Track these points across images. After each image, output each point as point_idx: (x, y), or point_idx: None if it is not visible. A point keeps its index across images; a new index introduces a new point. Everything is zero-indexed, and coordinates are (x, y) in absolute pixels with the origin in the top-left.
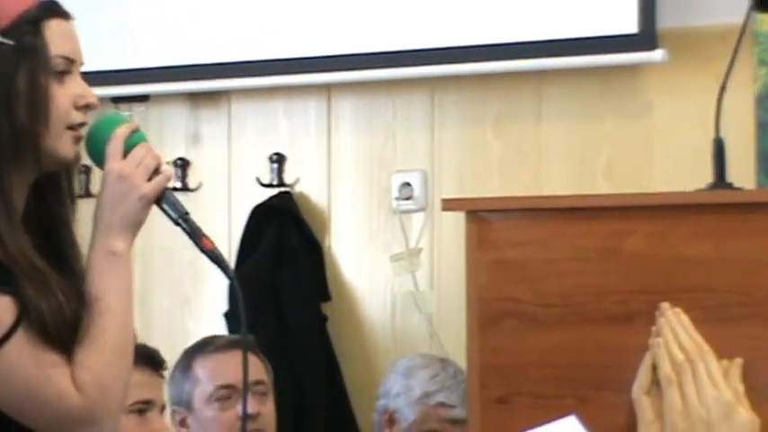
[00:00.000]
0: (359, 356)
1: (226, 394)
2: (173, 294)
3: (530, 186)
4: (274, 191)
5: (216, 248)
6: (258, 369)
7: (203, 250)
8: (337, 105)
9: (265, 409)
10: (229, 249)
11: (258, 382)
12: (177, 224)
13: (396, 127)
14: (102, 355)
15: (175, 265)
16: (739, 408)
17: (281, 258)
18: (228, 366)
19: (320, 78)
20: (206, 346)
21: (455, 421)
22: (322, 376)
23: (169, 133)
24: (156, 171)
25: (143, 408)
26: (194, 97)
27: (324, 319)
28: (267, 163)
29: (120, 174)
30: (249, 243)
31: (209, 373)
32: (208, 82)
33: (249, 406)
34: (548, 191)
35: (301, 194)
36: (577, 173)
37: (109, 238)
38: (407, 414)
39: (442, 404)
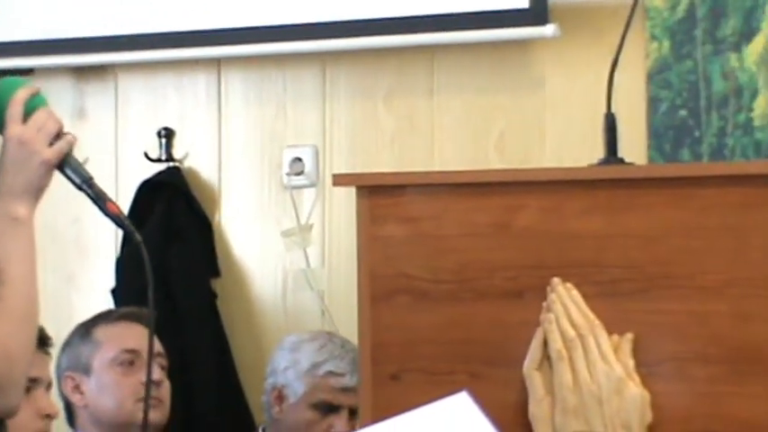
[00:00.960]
0: (249, 334)
1: (129, 359)
2: (57, 271)
3: (422, 161)
4: (163, 166)
5: (122, 213)
6: (158, 344)
7: (108, 215)
8: (227, 80)
9: (165, 381)
10: None
11: (159, 354)
12: (81, 189)
13: (287, 102)
14: (6, 325)
15: (59, 242)
16: (630, 383)
17: (170, 234)
18: (133, 333)
19: (210, 52)
20: (109, 315)
21: (346, 389)
22: (211, 353)
23: (54, 107)
24: (58, 136)
25: (29, 385)
26: (80, 71)
27: (213, 295)
28: (155, 138)
29: (21, 139)
30: (137, 219)
31: (112, 338)
32: (94, 56)
33: (153, 373)
34: (440, 166)
35: (191, 169)
36: (470, 148)
37: (11, 203)
38: (297, 388)
39: (331, 373)
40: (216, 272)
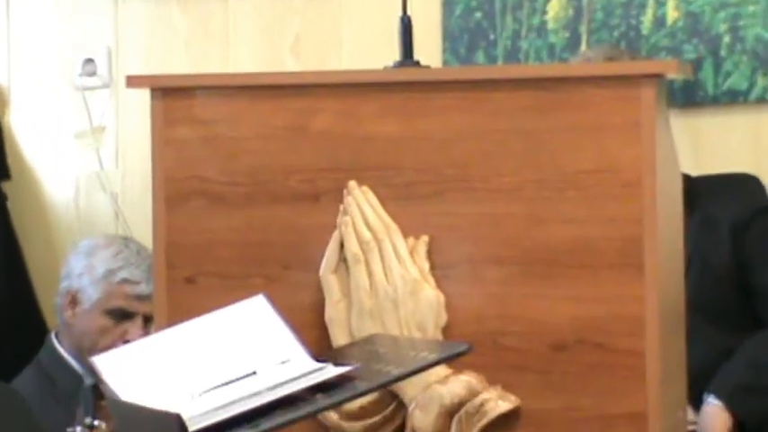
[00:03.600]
0: (41, 237)
1: None
2: None
3: (217, 64)
4: None
5: None
6: None
7: None
8: None
9: None
10: None
11: None
12: None
13: (80, 2)
14: None
15: None
16: (425, 285)
17: None
18: None
19: None
20: None
21: (140, 297)
22: (1, 256)
23: None
24: None
25: None
26: None
27: (3, 197)
28: None
29: None
30: None
31: None
32: None
33: None
34: (235, 69)
35: None
36: (265, 51)
37: None
38: (91, 293)
39: (126, 281)
40: (6, 174)
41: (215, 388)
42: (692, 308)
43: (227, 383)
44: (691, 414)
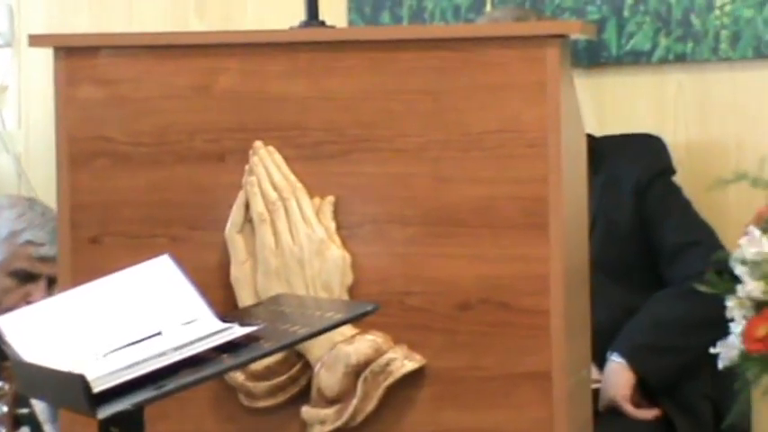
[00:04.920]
0: None
1: None
2: None
3: (120, 24)
4: None
5: None
6: None
7: None
8: None
9: None
10: None
11: None
12: None
13: None
14: None
15: None
16: (331, 244)
17: None
18: None
19: None
20: None
21: (44, 259)
22: None
23: None
24: None
25: None
26: None
27: None
28: None
29: None
30: None
31: None
32: None
33: None
34: (139, 28)
35: None
36: (169, 10)
37: None
38: None
39: (29, 242)
40: None
41: (120, 348)
42: (596, 267)
43: (131, 344)
44: (594, 372)
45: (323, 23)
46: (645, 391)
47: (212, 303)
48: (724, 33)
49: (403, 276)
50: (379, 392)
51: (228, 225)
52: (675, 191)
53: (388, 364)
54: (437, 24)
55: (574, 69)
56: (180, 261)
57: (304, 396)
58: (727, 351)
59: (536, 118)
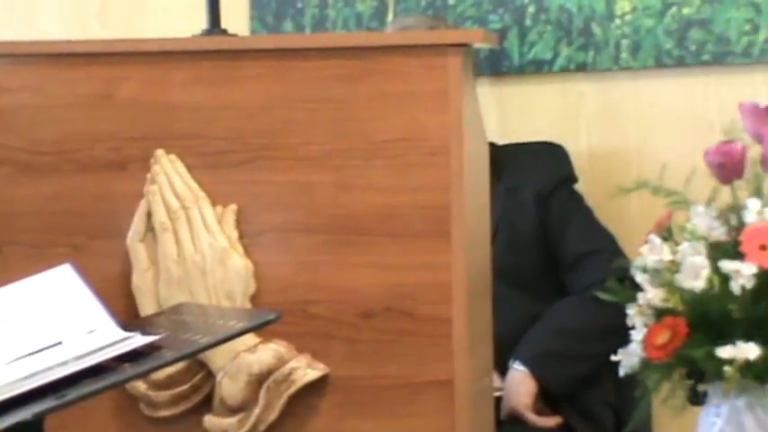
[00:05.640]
0: None
1: None
2: None
3: (20, 31)
4: None
5: None
6: None
7: None
8: None
9: None
10: None
11: None
12: None
13: None
14: None
15: None
16: (233, 253)
17: None
18: None
19: None
20: None
21: None
22: None
23: None
24: None
25: None
26: None
27: None
28: None
29: None
30: None
31: None
32: None
33: None
34: (40, 36)
35: None
36: (70, 18)
37: None
38: None
39: None
40: None
41: (20, 358)
42: (499, 275)
43: (32, 353)
44: (497, 380)
45: (225, 32)
46: (547, 399)
47: (114, 312)
48: (625, 43)
49: (306, 285)
50: (282, 401)
51: (130, 234)
52: (577, 199)
53: (290, 373)
54: (340, 33)
55: (476, 78)
56: (81, 270)
57: (206, 405)
58: (628, 358)
59: (438, 126)
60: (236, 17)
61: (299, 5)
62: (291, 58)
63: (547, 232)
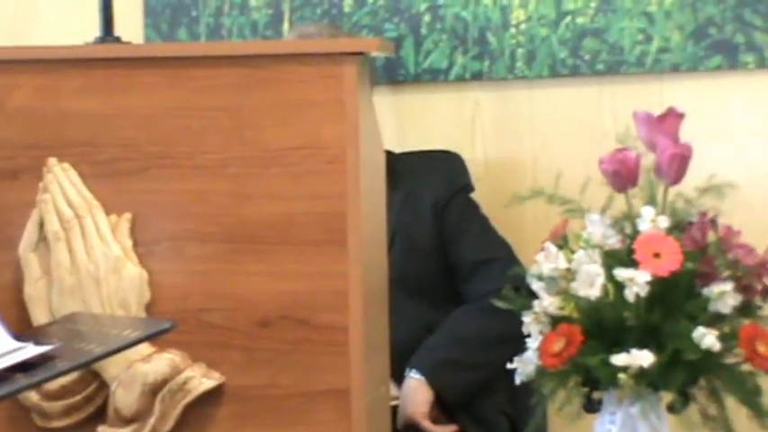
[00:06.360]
0: None
1: None
2: None
3: None
4: None
5: None
6: None
7: None
8: None
9: None
10: None
11: None
12: None
13: None
14: None
15: None
16: (127, 262)
17: None
18: None
19: None
20: None
21: None
22: None
23: None
24: None
25: None
26: None
27: None
28: None
29: None
30: None
31: None
32: None
33: None
34: None
35: None
36: None
37: None
38: None
39: None
40: None
41: None
42: (395, 283)
43: None
44: (393, 389)
45: (118, 39)
46: (443, 407)
47: (6, 322)
48: (520, 52)
49: (201, 294)
50: (177, 411)
51: (22, 244)
52: (474, 208)
53: (185, 383)
54: (235, 41)
55: (373, 87)
56: None
57: (100, 415)
58: (524, 366)
59: (335, 135)
60: (130, 25)
61: (194, 13)
62: (186, 66)
63: (443, 241)
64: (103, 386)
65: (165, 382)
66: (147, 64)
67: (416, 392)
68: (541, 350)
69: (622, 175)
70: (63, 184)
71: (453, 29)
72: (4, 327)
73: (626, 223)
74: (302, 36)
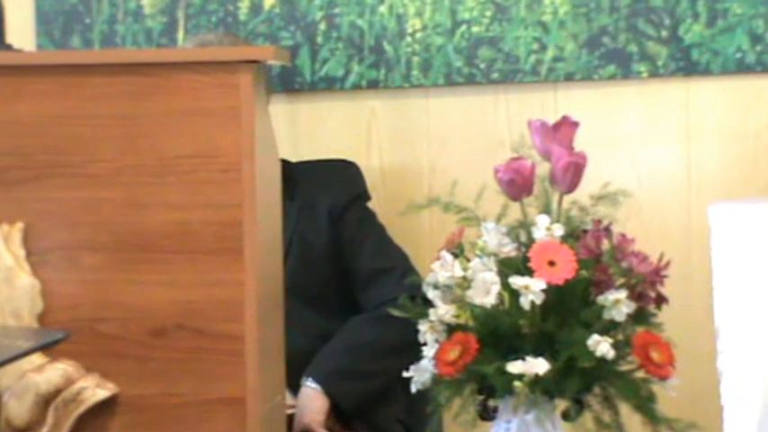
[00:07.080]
0: None
1: None
2: None
3: None
4: None
5: None
6: None
7: None
8: None
9: None
10: None
11: None
12: None
13: None
14: None
15: None
16: (20, 272)
17: None
18: None
19: None
20: None
21: None
22: None
23: None
24: None
25: None
26: None
27: None
28: None
29: None
30: None
31: None
32: None
33: None
34: None
35: None
36: None
37: None
38: None
39: None
40: None
41: None
42: (291, 292)
43: None
44: (289, 398)
45: (10, 47)
46: (339, 416)
47: None
48: (416, 60)
49: (94, 303)
50: (71, 422)
51: None
52: (370, 216)
53: (79, 393)
54: (129, 49)
55: (269, 95)
56: None
57: None
58: (420, 375)
59: (230, 143)
60: (22, 32)
61: (88, 21)
62: (78, 74)
63: (340, 249)
64: None
65: (58, 392)
66: (38, 72)
67: (312, 401)
68: (437, 358)
69: (517, 184)
70: None
71: (349, 37)
72: None
73: (521, 231)
74: (201, 44)
